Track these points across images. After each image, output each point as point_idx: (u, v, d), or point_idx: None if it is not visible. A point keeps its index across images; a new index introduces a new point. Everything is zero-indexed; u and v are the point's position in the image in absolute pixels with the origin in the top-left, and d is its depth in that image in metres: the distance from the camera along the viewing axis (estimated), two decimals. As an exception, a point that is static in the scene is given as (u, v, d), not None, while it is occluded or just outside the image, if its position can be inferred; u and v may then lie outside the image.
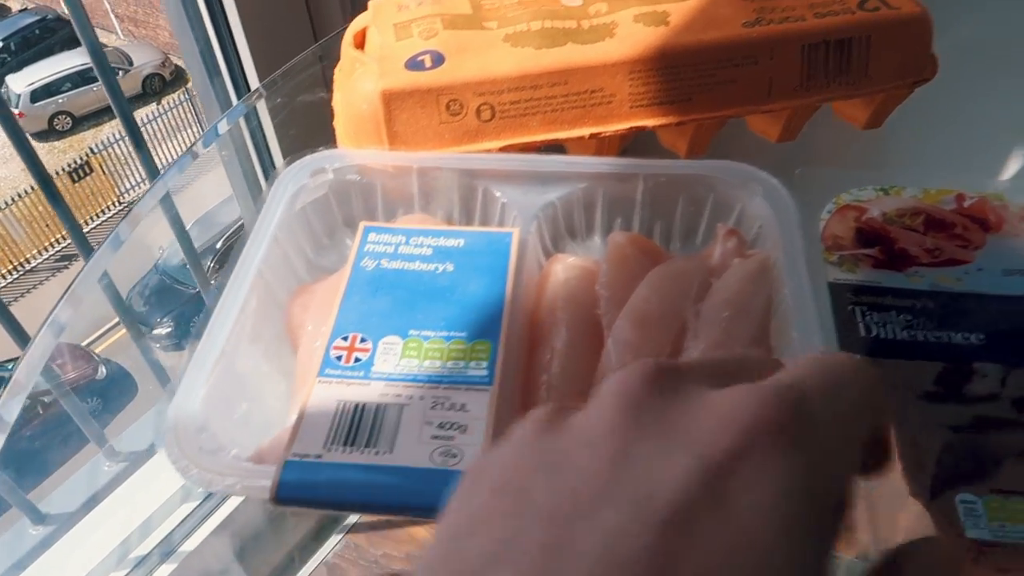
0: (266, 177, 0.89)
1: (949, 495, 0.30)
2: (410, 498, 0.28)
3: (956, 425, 0.31)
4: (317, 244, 0.45)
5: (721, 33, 0.45)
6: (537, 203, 0.44)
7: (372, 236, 0.40)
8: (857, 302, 0.35)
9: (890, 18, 0.45)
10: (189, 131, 6.53)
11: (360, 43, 0.48)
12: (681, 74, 0.45)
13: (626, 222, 0.46)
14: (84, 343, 5.35)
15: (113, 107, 0.79)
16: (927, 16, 0.46)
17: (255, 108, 0.70)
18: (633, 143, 0.48)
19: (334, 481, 0.28)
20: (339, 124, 0.46)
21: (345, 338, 0.34)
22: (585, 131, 0.45)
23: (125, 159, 6.27)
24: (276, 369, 0.38)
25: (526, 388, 0.36)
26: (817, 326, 0.36)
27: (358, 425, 0.31)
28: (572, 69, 0.44)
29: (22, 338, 0.74)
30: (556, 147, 0.47)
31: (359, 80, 0.44)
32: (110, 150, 6.18)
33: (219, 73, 0.81)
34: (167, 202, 0.61)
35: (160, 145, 6.30)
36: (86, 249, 0.77)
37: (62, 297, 0.48)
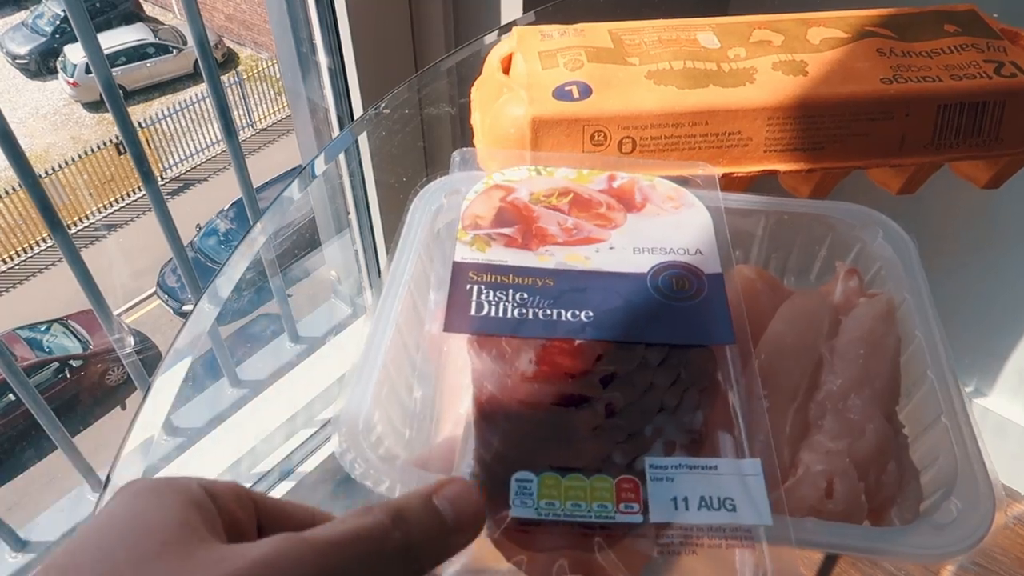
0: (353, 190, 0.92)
1: (506, 473, 0.29)
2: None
3: (537, 403, 0.31)
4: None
5: (859, 88, 0.46)
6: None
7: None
8: (478, 281, 0.34)
9: (1026, 86, 0.46)
10: (236, 113, 6.62)
11: (505, 68, 0.50)
12: (817, 124, 0.46)
13: (744, 255, 0.48)
14: (116, 312, 5.44)
15: (212, 101, 0.83)
16: (1060, 85, 0.47)
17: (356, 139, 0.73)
18: (754, 184, 0.50)
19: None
20: (481, 144, 0.48)
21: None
22: (719, 170, 0.47)
23: (171, 135, 6.37)
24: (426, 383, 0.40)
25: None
26: (950, 368, 0.37)
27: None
28: (713, 111, 0.46)
29: (93, 292, 0.79)
30: (683, 182, 0.49)
31: (508, 105, 0.46)
32: (157, 126, 6.28)
33: (320, 95, 0.85)
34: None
35: (207, 125, 6.40)
36: (162, 210, 0.82)
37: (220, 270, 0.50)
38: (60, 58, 6.55)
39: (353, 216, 1.01)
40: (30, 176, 0.71)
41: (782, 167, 0.47)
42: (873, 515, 0.34)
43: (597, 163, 0.41)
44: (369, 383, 0.36)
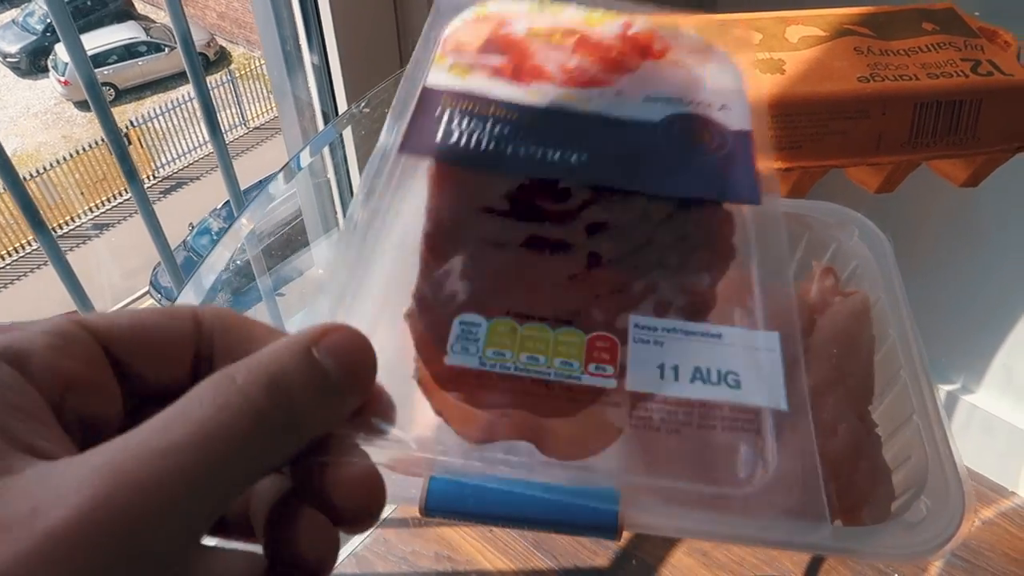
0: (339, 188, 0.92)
1: (449, 316, 0.25)
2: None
3: (503, 242, 0.27)
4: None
5: (837, 86, 0.46)
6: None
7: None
8: (451, 106, 0.29)
9: (1003, 84, 0.46)
10: (228, 111, 6.61)
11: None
12: (795, 122, 0.46)
13: (722, 257, 0.48)
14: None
15: (196, 95, 0.82)
16: (1037, 84, 0.47)
17: (340, 135, 0.73)
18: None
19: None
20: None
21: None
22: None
23: (163, 134, 6.36)
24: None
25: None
26: (923, 367, 0.37)
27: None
28: (690, 110, 0.45)
29: (77, 292, 0.79)
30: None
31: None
32: (149, 124, 6.26)
33: (307, 93, 0.85)
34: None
35: (200, 123, 6.38)
36: (147, 209, 0.82)
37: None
38: (51, 56, 6.53)
39: (340, 215, 1.01)
40: (10, 175, 0.70)
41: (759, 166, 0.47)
42: (845, 515, 0.34)
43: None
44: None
